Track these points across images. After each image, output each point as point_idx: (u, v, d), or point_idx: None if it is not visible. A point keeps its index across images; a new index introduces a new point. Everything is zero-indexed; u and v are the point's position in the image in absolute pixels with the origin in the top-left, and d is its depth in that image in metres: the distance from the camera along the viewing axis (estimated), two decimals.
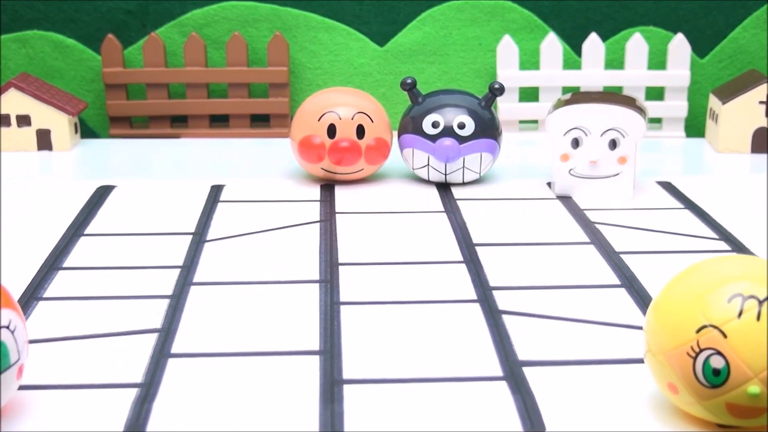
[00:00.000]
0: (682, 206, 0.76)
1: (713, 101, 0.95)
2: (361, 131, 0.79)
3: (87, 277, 0.61)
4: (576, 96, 0.78)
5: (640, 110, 0.76)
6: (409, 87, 0.81)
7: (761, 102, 0.91)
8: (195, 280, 0.60)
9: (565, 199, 0.77)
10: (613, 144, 0.75)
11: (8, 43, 0.99)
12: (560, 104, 0.77)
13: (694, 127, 1.03)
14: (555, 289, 0.59)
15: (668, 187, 0.81)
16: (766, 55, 1.01)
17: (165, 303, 0.57)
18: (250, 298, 0.58)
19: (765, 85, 0.91)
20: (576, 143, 0.76)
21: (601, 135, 0.75)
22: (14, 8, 0.98)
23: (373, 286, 0.60)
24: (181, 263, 0.63)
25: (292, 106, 1.01)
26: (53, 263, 0.63)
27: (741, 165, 0.89)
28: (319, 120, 0.79)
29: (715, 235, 0.69)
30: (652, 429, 0.44)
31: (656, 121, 1.02)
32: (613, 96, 0.78)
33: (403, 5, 1.00)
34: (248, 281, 0.60)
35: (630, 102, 0.77)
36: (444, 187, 0.81)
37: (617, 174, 0.76)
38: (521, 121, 1.01)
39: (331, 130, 0.78)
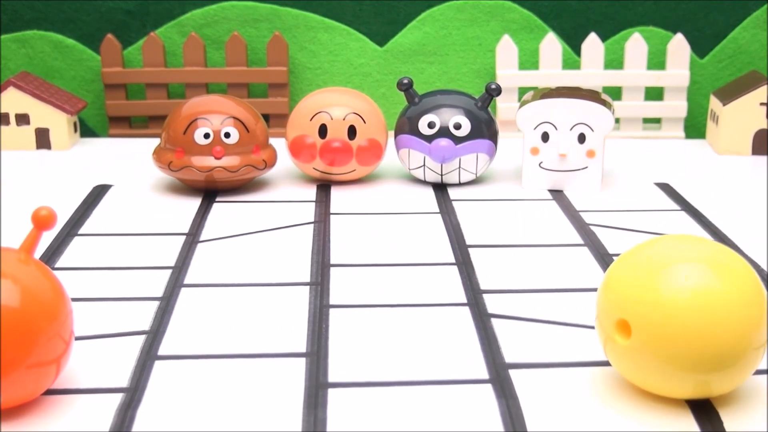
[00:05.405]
0: (678, 208, 0.76)
1: (714, 102, 0.95)
2: (352, 132, 0.78)
3: (78, 278, 0.61)
4: (545, 92, 0.80)
5: (606, 104, 0.77)
6: (405, 87, 0.81)
7: (762, 104, 0.91)
8: (186, 281, 0.60)
9: (561, 200, 0.77)
10: (582, 138, 0.77)
11: (8, 43, 0.99)
12: (529, 100, 0.78)
13: (694, 127, 1.02)
14: (546, 292, 0.59)
15: (666, 188, 0.81)
16: (766, 55, 1.00)
17: (155, 305, 0.57)
18: (239, 301, 0.58)
19: (766, 86, 0.90)
20: (545, 137, 0.77)
21: (570, 129, 0.77)
22: (14, 8, 0.98)
23: (363, 288, 0.60)
24: (172, 264, 0.63)
25: (291, 106, 1.01)
26: (46, 263, 0.63)
27: (741, 167, 0.89)
28: (311, 120, 0.78)
29: (710, 238, 0.69)
30: None
31: (656, 121, 1.02)
32: (579, 91, 0.80)
33: (403, 5, 1.00)
34: (238, 283, 0.60)
35: (595, 96, 0.78)
36: (440, 188, 0.80)
37: (585, 167, 0.78)
38: None
39: (323, 131, 0.78)
